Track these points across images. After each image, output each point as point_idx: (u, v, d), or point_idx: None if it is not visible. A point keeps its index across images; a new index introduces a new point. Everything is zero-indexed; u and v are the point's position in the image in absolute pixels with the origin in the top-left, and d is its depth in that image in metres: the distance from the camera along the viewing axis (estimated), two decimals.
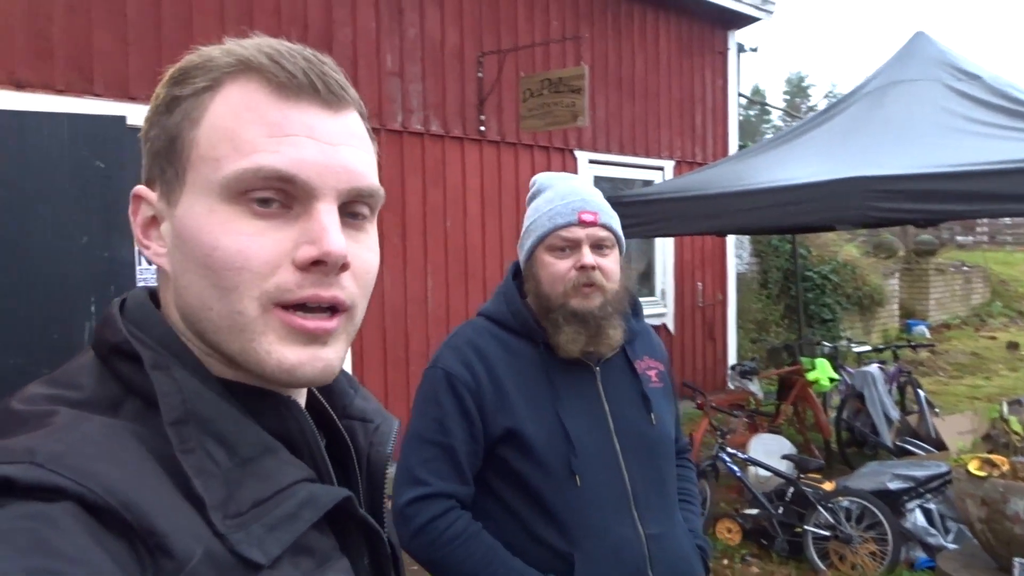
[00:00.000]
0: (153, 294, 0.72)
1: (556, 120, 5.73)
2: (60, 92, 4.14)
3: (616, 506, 1.52)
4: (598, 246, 1.57)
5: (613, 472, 1.53)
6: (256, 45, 0.68)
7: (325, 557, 0.66)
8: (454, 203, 6.04)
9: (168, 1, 4.55)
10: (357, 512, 0.71)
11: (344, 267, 0.65)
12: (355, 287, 0.68)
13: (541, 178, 1.71)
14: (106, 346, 0.66)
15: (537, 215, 1.61)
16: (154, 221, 0.69)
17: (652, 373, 1.69)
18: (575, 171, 6.94)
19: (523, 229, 1.66)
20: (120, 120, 3.61)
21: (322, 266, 0.64)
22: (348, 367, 5.36)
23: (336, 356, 0.68)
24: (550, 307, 1.57)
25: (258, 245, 0.63)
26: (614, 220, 1.62)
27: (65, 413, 0.60)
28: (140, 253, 0.70)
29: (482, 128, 6.19)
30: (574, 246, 1.56)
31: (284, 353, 0.64)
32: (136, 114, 4.33)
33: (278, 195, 0.64)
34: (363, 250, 0.69)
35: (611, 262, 1.59)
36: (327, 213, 0.65)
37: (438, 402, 1.54)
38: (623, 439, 1.57)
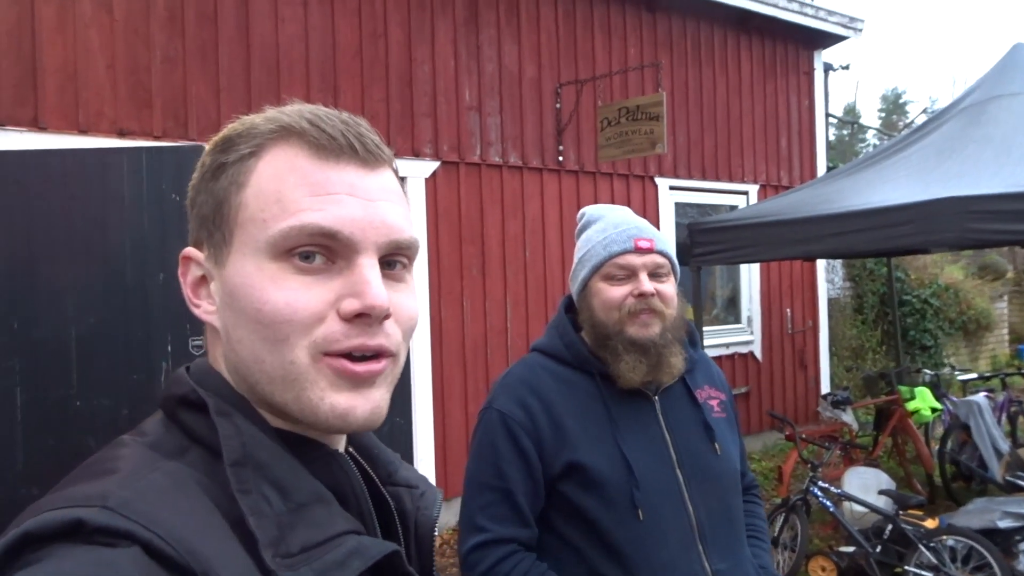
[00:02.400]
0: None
1: (634, 148, 5.69)
2: (158, 138, 4.38)
3: (681, 540, 1.48)
4: (655, 273, 1.55)
5: (676, 505, 1.49)
6: (296, 111, 0.71)
7: None
8: (533, 234, 6.07)
9: (257, 50, 4.78)
10: (404, 568, 0.71)
11: (387, 316, 0.68)
12: (398, 333, 0.70)
13: (589, 210, 1.70)
14: (173, 400, 0.70)
15: (590, 245, 1.59)
16: (203, 281, 0.73)
17: (714, 403, 1.65)
18: (656, 198, 6.87)
19: (575, 261, 1.65)
20: (198, 149, 3.75)
21: (366, 318, 0.66)
22: (429, 399, 5.44)
23: (383, 399, 0.70)
24: (607, 335, 1.54)
25: (305, 298, 0.66)
26: (669, 247, 1.60)
27: (134, 458, 0.63)
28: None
29: (560, 158, 6.21)
30: (631, 274, 1.54)
31: (336, 399, 0.67)
32: None
33: (322, 250, 0.67)
34: (403, 298, 0.72)
35: (669, 288, 1.56)
36: (369, 267, 0.68)
37: (494, 445, 1.52)
38: (686, 470, 1.53)
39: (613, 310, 1.54)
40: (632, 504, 1.45)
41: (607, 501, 1.46)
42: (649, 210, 6.80)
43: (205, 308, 0.72)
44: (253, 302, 0.66)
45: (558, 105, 6.21)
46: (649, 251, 1.55)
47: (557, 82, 6.22)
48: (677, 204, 7.08)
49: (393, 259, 0.71)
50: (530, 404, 1.53)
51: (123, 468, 0.61)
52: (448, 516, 5.60)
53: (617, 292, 1.54)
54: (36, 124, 4.06)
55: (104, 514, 0.55)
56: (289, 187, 0.67)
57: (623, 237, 1.55)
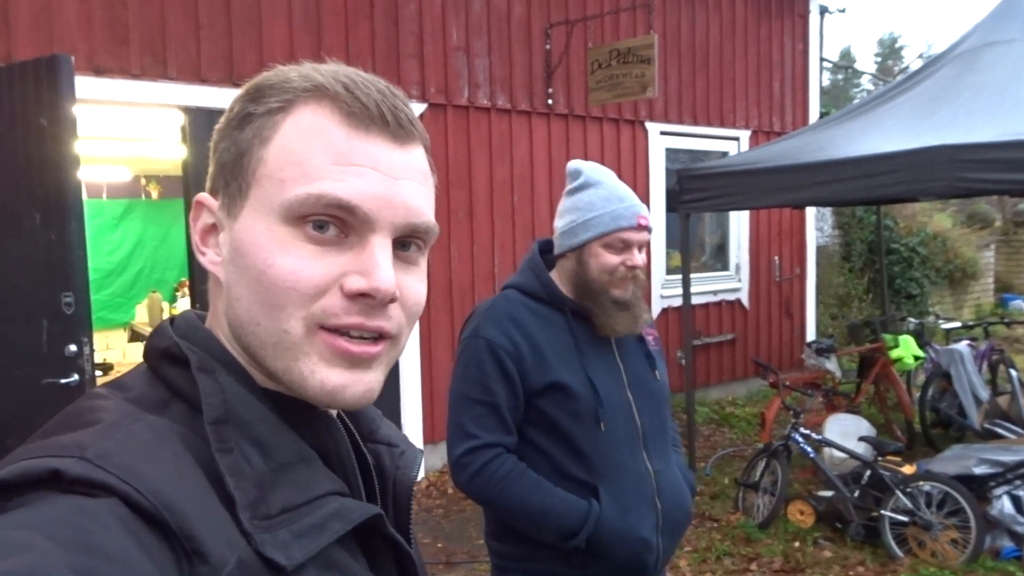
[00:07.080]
0: (201, 317, 0.74)
1: (625, 92, 5.60)
2: (135, 77, 4.26)
3: (631, 447, 1.83)
4: (641, 247, 1.84)
5: (628, 419, 1.84)
6: (332, 72, 0.69)
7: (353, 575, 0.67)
8: (521, 178, 5.99)
9: None
10: (387, 531, 0.72)
11: (392, 300, 0.66)
12: (402, 317, 0.69)
13: (587, 170, 1.90)
14: (155, 352, 0.69)
15: (596, 212, 1.82)
16: (213, 229, 0.71)
17: (651, 337, 1.99)
18: (646, 144, 6.79)
19: (577, 218, 1.84)
20: (59, 61, 3.30)
21: (369, 299, 0.65)
22: (417, 344, 5.44)
23: (377, 381, 0.69)
24: (595, 292, 1.82)
25: (311, 268, 0.65)
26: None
27: (115, 410, 0.62)
28: (197, 258, 0.72)
29: (550, 101, 6.11)
30: (627, 247, 1.82)
31: (327, 375, 0.66)
32: (207, 97, 4.43)
33: (336, 222, 0.65)
34: (412, 281, 0.70)
35: (645, 256, 1.87)
36: (381, 247, 0.66)
37: (481, 367, 1.79)
38: (635, 391, 1.87)
39: (605, 273, 1.81)
40: (596, 418, 1.79)
41: (577, 415, 1.78)
42: (639, 156, 6.73)
43: (211, 258, 0.71)
44: (258, 263, 0.65)
45: (548, 46, 6.08)
46: (646, 228, 1.83)
47: (547, 22, 6.07)
48: (668, 150, 7.01)
49: (407, 241, 0.69)
50: (513, 334, 1.80)
51: (103, 419, 0.60)
52: (434, 459, 5.67)
53: (614, 260, 1.81)
54: (9, 59, 3.94)
55: (81, 464, 0.54)
56: (313, 151, 0.65)
57: (630, 214, 1.81)
